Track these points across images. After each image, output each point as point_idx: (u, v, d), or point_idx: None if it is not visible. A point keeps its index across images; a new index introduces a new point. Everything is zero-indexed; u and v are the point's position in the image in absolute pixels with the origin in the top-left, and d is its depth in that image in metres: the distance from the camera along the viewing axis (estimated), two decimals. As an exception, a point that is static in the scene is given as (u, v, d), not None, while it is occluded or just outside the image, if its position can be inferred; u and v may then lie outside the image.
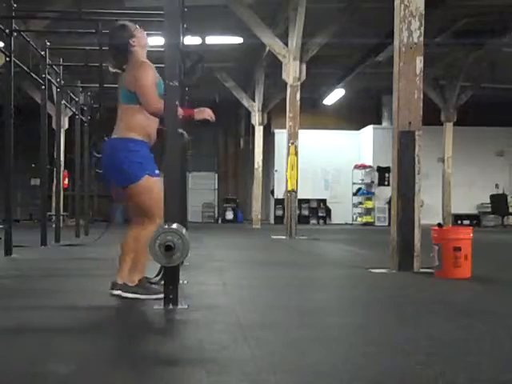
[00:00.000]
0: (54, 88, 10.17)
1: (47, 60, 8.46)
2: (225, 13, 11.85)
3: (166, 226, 3.32)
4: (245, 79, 17.31)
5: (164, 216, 3.42)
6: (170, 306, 3.32)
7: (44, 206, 8.55)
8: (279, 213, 18.68)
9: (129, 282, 3.76)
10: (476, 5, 11.95)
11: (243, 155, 21.35)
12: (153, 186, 3.76)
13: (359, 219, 19.48)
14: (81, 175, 11.14)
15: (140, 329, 2.95)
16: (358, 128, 20.00)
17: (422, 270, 5.30)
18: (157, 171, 3.79)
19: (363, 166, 19.38)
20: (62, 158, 11.31)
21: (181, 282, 3.70)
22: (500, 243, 11.18)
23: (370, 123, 19.49)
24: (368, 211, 19.31)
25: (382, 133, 17.99)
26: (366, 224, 18.81)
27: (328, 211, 20.04)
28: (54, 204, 13.32)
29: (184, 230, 3.39)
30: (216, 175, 22.12)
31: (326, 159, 19.72)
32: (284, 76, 11.65)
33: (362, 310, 3.66)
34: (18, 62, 7.07)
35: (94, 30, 7.08)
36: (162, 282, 3.51)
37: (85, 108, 11.12)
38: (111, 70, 4.06)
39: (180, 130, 3.55)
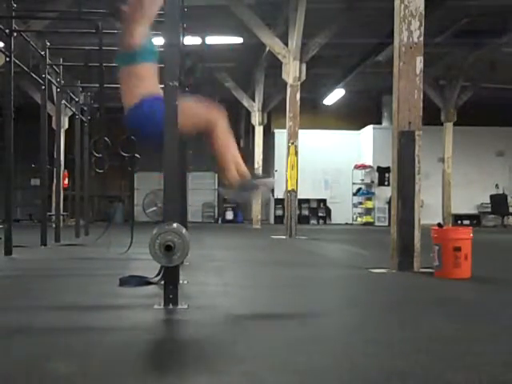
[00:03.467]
0: (54, 88, 10.17)
1: (47, 60, 8.46)
2: (225, 13, 11.86)
3: (166, 226, 3.32)
4: (245, 79, 17.31)
5: (164, 216, 3.42)
6: (170, 306, 3.32)
7: (44, 206, 8.54)
8: (279, 213, 18.69)
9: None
10: (476, 5, 11.95)
11: (243, 155, 21.33)
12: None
13: (359, 219, 19.48)
14: (81, 175, 11.14)
15: (140, 329, 2.95)
16: (358, 128, 20.00)
17: (422, 270, 5.30)
18: None
19: (363, 166, 19.38)
20: (62, 158, 11.31)
21: (181, 281, 3.70)
22: (500, 243, 11.18)
23: (370, 123, 19.49)
24: (368, 211, 19.31)
25: (382, 133, 17.99)
26: (366, 224, 18.81)
27: (328, 211, 20.04)
28: (54, 204, 13.34)
29: (184, 230, 3.39)
30: (216, 175, 22.11)
31: (326, 159, 19.72)
32: (284, 76, 11.65)
33: (362, 310, 3.66)
34: (18, 62, 7.07)
35: (94, 30, 7.08)
36: (162, 282, 3.51)
37: (85, 108, 11.12)
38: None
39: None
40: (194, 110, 3.83)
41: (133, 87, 3.84)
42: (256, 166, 16.49)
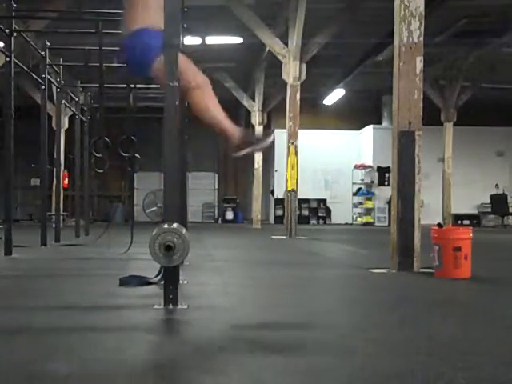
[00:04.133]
0: (54, 88, 10.17)
1: (47, 60, 8.46)
2: (225, 13, 11.86)
3: (166, 226, 3.32)
4: (245, 79, 17.31)
5: (164, 216, 3.42)
6: (170, 306, 3.31)
7: (44, 206, 8.54)
8: (279, 213, 18.70)
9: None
10: (476, 5, 11.96)
11: (243, 155, 21.34)
12: None
13: (359, 219, 19.49)
14: (81, 175, 11.14)
15: (140, 329, 2.95)
16: (358, 128, 20.01)
17: (421, 270, 5.30)
18: None
19: (363, 166, 19.39)
20: (62, 158, 11.31)
21: (181, 281, 3.70)
22: (500, 243, 11.18)
23: (370, 123, 19.50)
24: (368, 211, 19.32)
25: (382, 133, 18.00)
26: (366, 224, 18.81)
27: (328, 211, 20.04)
28: (54, 204, 13.33)
29: (184, 230, 3.39)
30: (216, 175, 22.12)
31: (326, 159, 19.73)
32: (284, 76, 11.65)
33: (362, 309, 3.66)
34: (18, 62, 7.07)
35: (94, 30, 7.08)
36: (162, 282, 3.51)
37: (85, 108, 11.12)
38: None
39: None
40: (187, 65, 3.86)
41: (136, 13, 3.86)
42: (256, 166, 16.50)
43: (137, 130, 6.46)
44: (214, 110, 3.97)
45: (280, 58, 11.73)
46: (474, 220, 18.76)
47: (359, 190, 19.60)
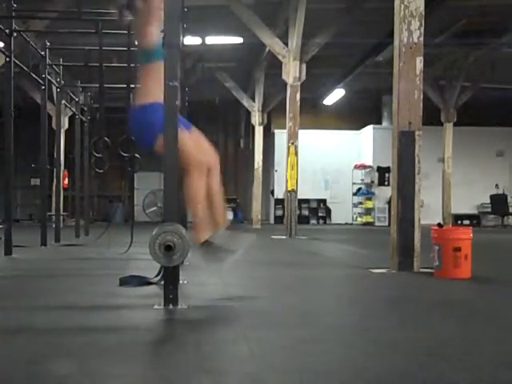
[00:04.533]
0: (54, 88, 10.17)
1: (47, 60, 8.46)
2: (225, 13, 11.85)
3: (166, 226, 3.32)
4: (245, 79, 17.30)
5: (164, 216, 3.42)
6: (170, 306, 3.32)
7: (44, 206, 8.55)
8: (279, 213, 18.68)
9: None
10: (476, 5, 11.95)
11: (243, 155, 21.35)
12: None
13: (359, 219, 19.48)
14: (81, 175, 11.14)
15: (140, 329, 2.95)
16: (358, 128, 20.00)
17: (421, 270, 5.30)
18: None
19: (363, 166, 19.38)
20: (62, 158, 11.31)
21: (181, 281, 3.70)
22: (500, 243, 11.18)
23: (370, 123, 19.49)
24: (368, 211, 19.31)
25: (382, 133, 17.99)
26: (366, 224, 18.81)
27: (328, 211, 20.04)
28: (54, 204, 13.34)
29: (184, 230, 3.39)
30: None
31: (326, 159, 19.72)
32: (284, 76, 11.65)
33: (362, 309, 3.66)
34: (17, 62, 7.07)
35: (93, 30, 7.08)
36: (162, 282, 3.51)
37: (85, 108, 11.12)
38: None
39: None
40: (202, 145, 3.84)
41: (147, 87, 3.86)
42: (256, 166, 16.49)
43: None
44: (200, 201, 3.82)
45: (280, 58, 11.72)
46: (474, 220, 18.75)
47: (359, 189, 19.60)
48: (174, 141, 3.40)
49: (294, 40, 11.42)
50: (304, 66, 11.64)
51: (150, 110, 3.80)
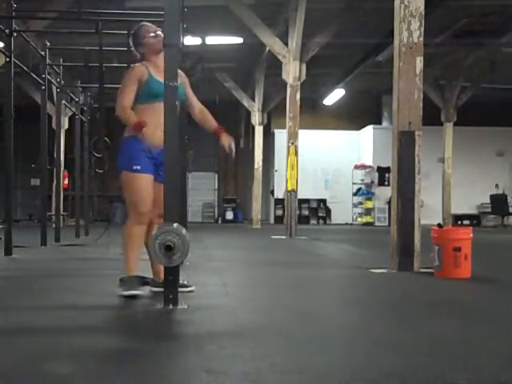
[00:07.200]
0: (54, 88, 10.17)
1: (47, 60, 8.46)
2: (225, 13, 11.85)
3: (166, 226, 3.32)
4: (245, 79, 17.30)
5: (164, 216, 3.42)
6: (170, 306, 3.32)
7: (44, 206, 8.54)
8: (279, 213, 18.67)
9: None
10: (476, 5, 11.95)
11: (243, 155, 21.35)
12: (128, 182, 3.80)
13: (359, 219, 19.48)
14: (81, 175, 11.14)
15: (140, 329, 2.95)
16: (358, 128, 20.00)
17: (421, 270, 5.30)
18: (136, 167, 3.76)
19: (363, 166, 19.38)
20: (62, 158, 11.31)
21: (181, 282, 3.70)
22: (500, 243, 11.18)
23: (370, 123, 19.49)
24: (368, 211, 19.31)
25: (382, 133, 17.98)
26: (366, 224, 18.80)
27: (328, 211, 20.03)
28: (53, 204, 13.33)
29: (184, 230, 3.39)
30: (216, 175, 22.12)
31: (326, 159, 19.71)
32: (284, 76, 11.65)
33: (362, 310, 3.66)
34: (18, 62, 7.07)
35: (93, 30, 7.08)
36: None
37: (85, 108, 11.12)
38: None
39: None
40: (157, 199, 3.78)
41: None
42: (256, 166, 16.49)
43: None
44: (131, 242, 3.80)
45: (280, 58, 11.73)
46: (474, 220, 18.74)
47: (359, 190, 19.60)
48: (174, 141, 3.40)
49: (294, 40, 11.43)
50: (304, 66, 11.64)
51: (123, 144, 3.87)
